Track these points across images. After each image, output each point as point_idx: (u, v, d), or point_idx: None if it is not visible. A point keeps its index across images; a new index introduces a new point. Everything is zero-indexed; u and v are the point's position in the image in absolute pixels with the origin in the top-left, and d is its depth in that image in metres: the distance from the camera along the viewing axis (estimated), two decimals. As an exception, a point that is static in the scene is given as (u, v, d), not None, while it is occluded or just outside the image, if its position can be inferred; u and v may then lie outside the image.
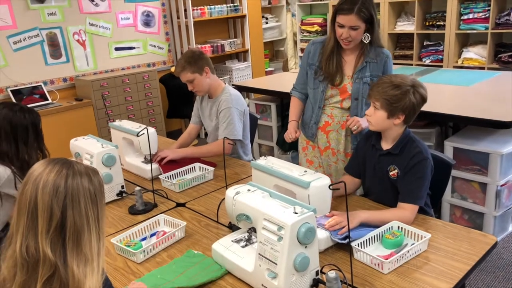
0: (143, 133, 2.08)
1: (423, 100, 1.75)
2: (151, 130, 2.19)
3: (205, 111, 2.64)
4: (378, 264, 1.43)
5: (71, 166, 1.05)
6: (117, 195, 2.06)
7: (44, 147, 2.09)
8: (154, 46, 4.93)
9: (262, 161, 1.74)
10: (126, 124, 2.40)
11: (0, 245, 1.99)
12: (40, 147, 2.07)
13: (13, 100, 3.82)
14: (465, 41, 4.71)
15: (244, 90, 4.12)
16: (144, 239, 1.70)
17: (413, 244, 1.50)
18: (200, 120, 2.71)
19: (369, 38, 2.04)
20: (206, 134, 2.98)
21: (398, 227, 1.60)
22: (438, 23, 4.71)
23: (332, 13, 2.05)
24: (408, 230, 1.58)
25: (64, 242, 1.00)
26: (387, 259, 1.42)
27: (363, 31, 2.01)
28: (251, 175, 2.21)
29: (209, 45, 5.12)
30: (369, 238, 1.54)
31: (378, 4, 4.99)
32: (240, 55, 5.58)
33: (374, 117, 1.77)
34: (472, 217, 2.79)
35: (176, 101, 4.81)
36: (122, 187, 2.08)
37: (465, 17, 4.48)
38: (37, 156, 2.04)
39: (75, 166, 1.06)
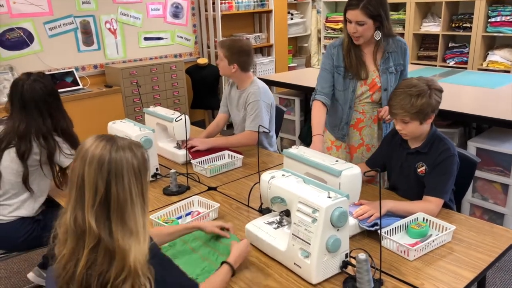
0: (181, 119, 2.18)
1: (441, 91, 1.81)
2: (186, 117, 2.28)
3: (233, 101, 2.73)
4: (404, 251, 1.51)
5: (115, 142, 1.10)
6: (152, 176, 2.16)
7: (63, 109, 2.15)
8: (182, 37, 5.03)
9: (294, 150, 1.82)
10: (160, 110, 2.50)
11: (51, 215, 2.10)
12: (62, 110, 2.13)
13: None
14: (491, 44, 4.71)
15: (270, 84, 4.18)
16: (180, 217, 1.80)
17: (438, 235, 1.57)
18: (228, 109, 2.80)
19: (380, 35, 2.08)
20: (228, 126, 3.05)
21: (424, 218, 1.67)
22: (464, 25, 4.70)
23: (344, 9, 2.11)
24: (433, 222, 1.65)
25: (109, 215, 1.06)
26: (412, 247, 1.49)
27: (371, 27, 2.05)
28: (278, 164, 2.31)
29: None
30: (395, 227, 1.61)
31: (404, 4, 5.00)
32: (264, 50, 5.65)
33: (408, 129, 1.79)
34: (493, 217, 2.83)
35: (200, 92, 4.92)
36: (157, 169, 2.18)
37: (493, 19, 4.47)
38: (66, 118, 2.12)
39: (119, 141, 1.11)
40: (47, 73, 4.01)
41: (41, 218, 2.12)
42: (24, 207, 2.07)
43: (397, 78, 2.20)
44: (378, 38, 2.09)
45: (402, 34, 5.12)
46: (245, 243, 1.48)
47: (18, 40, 3.90)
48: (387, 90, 2.16)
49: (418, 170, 1.84)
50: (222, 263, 1.40)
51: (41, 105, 2.02)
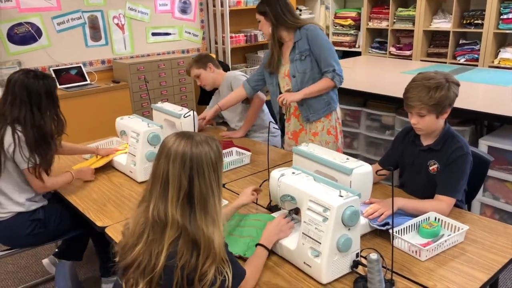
0: (189, 115, 2.16)
1: (458, 85, 1.77)
2: (195, 113, 2.27)
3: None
4: (416, 251, 1.48)
5: (193, 138, 1.18)
6: (160, 173, 2.14)
7: (59, 113, 2.06)
8: (189, 33, 5.01)
9: (304, 147, 1.79)
10: (168, 106, 2.49)
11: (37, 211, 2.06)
12: (56, 112, 2.04)
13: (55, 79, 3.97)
14: (503, 41, 4.64)
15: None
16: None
17: (450, 235, 1.54)
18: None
19: (270, 28, 2.35)
20: (222, 123, 3.24)
21: (436, 218, 1.64)
22: (476, 21, 4.64)
23: None
24: (445, 222, 1.62)
25: (193, 207, 1.14)
26: (424, 247, 1.47)
27: (264, 23, 2.36)
28: (286, 162, 2.29)
29: (242, 34, 5.18)
30: (406, 227, 1.58)
31: (415, 0, 4.94)
32: (272, 46, 5.61)
33: (423, 123, 1.75)
34: (504, 217, 2.79)
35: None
36: (165, 165, 2.16)
37: (505, 16, 4.40)
38: (52, 121, 2.03)
39: (196, 137, 1.18)
40: (54, 68, 4.02)
41: (42, 216, 2.09)
42: (12, 202, 2.02)
43: (311, 65, 2.38)
44: (269, 31, 2.37)
45: (411, 31, 5.06)
46: (276, 222, 1.52)
47: (26, 34, 3.90)
48: (295, 77, 2.41)
49: (430, 168, 1.81)
50: (256, 245, 1.46)
51: (33, 98, 1.95)
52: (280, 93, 2.52)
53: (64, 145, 2.30)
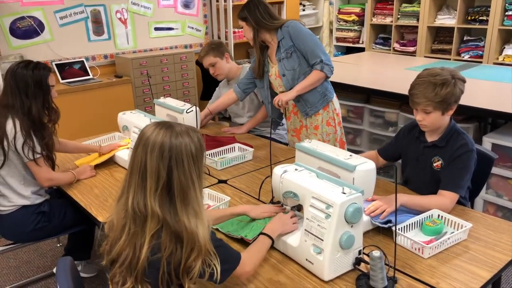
0: (191, 111, 2.15)
1: (464, 81, 1.76)
2: (197, 109, 2.26)
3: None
4: (419, 249, 1.47)
5: (173, 129, 1.14)
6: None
7: (50, 102, 2.06)
8: (192, 28, 4.99)
9: (307, 143, 1.78)
10: (171, 101, 2.48)
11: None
12: (46, 102, 2.03)
13: (57, 73, 3.96)
14: (507, 37, 4.60)
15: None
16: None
17: (453, 232, 1.53)
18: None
19: (251, 32, 2.38)
20: (224, 118, 3.25)
21: (439, 215, 1.63)
22: (480, 17, 4.60)
23: None
24: (448, 219, 1.61)
25: (172, 199, 1.11)
26: (427, 244, 1.46)
27: (247, 28, 2.40)
28: (289, 158, 2.28)
29: (245, 29, 5.15)
30: (409, 224, 1.58)
31: (419, -5, 4.91)
32: (275, 41, 5.58)
33: (428, 120, 1.74)
34: (507, 214, 2.78)
35: (210, 84, 4.87)
36: (167, 161, 2.16)
37: (510, 13, 4.36)
38: (44, 110, 2.03)
39: (176, 127, 1.15)
40: (57, 62, 4.01)
41: (47, 209, 2.10)
42: (18, 194, 2.03)
43: (298, 61, 2.38)
44: (251, 36, 2.40)
45: (416, 27, 5.03)
46: (279, 215, 1.53)
47: (29, 28, 3.89)
48: (285, 75, 2.42)
49: (434, 164, 1.80)
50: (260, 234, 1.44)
51: (20, 86, 1.96)
52: (276, 94, 2.52)
53: (67, 142, 2.31)
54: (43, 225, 2.09)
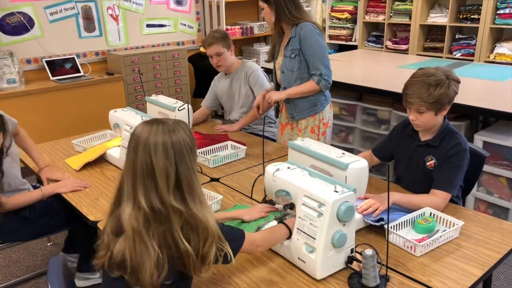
0: (183, 108, 2.13)
1: (459, 82, 1.76)
2: (189, 106, 2.24)
3: (224, 89, 2.88)
4: (411, 247, 1.47)
5: (167, 126, 1.14)
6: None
7: None
8: (185, 25, 4.96)
9: (299, 141, 1.78)
10: (163, 99, 2.46)
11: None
12: None
13: (48, 70, 3.92)
14: (498, 36, 4.63)
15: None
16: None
17: (445, 230, 1.54)
18: (213, 105, 2.99)
19: (273, 18, 2.31)
20: (217, 115, 3.25)
21: (431, 213, 1.64)
22: (472, 16, 4.63)
23: None
24: (440, 217, 1.61)
25: (183, 193, 1.14)
26: (419, 242, 1.46)
27: (268, 12, 2.32)
28: (281, 156, 2.28)
29: (238, 26, 5.14)
30: (401, 222, 1.58)
31: (412, -6, 4.92)
32: (268, 39, 5.57)
33: (421, 120, 1.74)
34: (497, 212, 2.80)
35: (203, 81, 4.85)
36: (158, 159, 2.14)
37: (501, 11, 4.39)
38: None
39: (168, 123, 1.16)
40: (47, 59, 3.97)
41: (27, 214, 1.99)
42: None
43: (299, 64, 2.35)
44: (272, 20, 2.34)
45: (408, 25, 5.05)
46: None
47: (18, 24, 3.83)
48: (284, 72, 2.40)
49: (427, 163, 1.80)
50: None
51: None
52: (278, 84, 2.53)
53: (25, 140, 2.17)
54: (26, 227, 2.01)
